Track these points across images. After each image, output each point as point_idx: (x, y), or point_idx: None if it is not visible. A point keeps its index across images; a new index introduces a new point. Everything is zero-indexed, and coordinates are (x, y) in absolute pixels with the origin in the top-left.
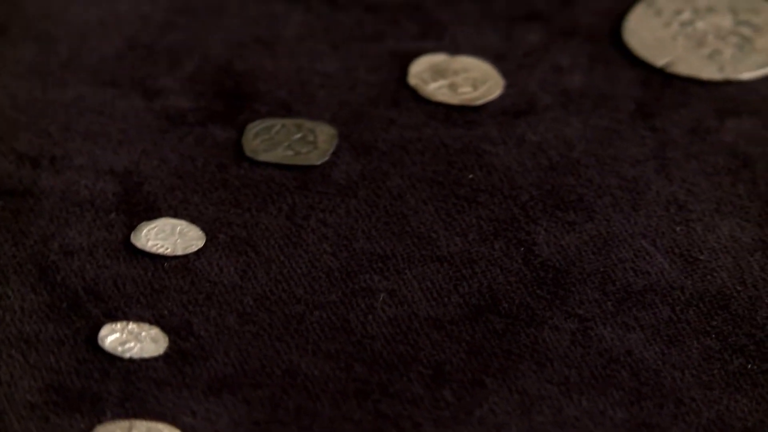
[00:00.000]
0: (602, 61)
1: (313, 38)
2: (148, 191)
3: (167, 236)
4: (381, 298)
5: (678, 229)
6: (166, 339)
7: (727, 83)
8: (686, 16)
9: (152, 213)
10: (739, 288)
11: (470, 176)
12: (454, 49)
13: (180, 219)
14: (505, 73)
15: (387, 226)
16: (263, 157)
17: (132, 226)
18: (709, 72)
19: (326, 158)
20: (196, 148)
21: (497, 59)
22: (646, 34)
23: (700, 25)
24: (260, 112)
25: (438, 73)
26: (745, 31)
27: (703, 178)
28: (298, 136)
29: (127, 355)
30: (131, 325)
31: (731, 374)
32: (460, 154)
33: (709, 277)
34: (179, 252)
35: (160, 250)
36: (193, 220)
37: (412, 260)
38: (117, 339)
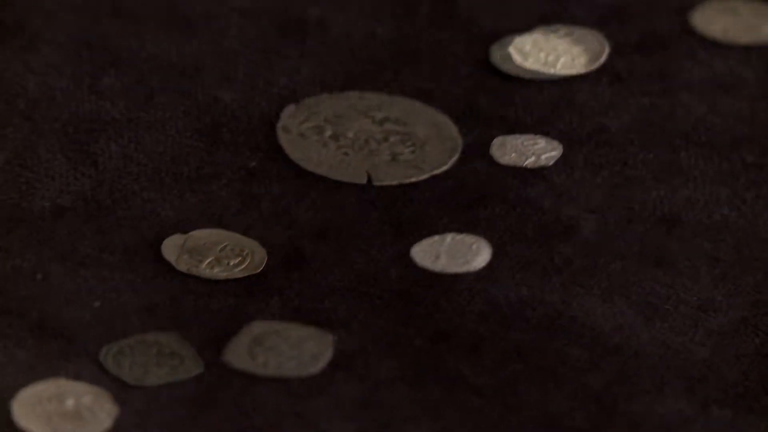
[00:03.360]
0: (316, 190)
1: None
2: None
3: None
4: None
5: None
6: None
7: (434, 178)
8: (329, 131)
9: None
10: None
11: (335, 338)
12: (175, 226)
13: None
14: (243, 233)
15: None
16: (151, 381)
17: None
18: (414, 174)
19: (203, 364)
20: None
21: (220, 223)
22: (321, 159)
23: (350, 134)
24: (87, 349)
25: (195, 252)
26: (394, 127)
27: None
28: (154, 351)
29: None
30: None
31: None
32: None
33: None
34: None
35: None
36: None
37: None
38: None
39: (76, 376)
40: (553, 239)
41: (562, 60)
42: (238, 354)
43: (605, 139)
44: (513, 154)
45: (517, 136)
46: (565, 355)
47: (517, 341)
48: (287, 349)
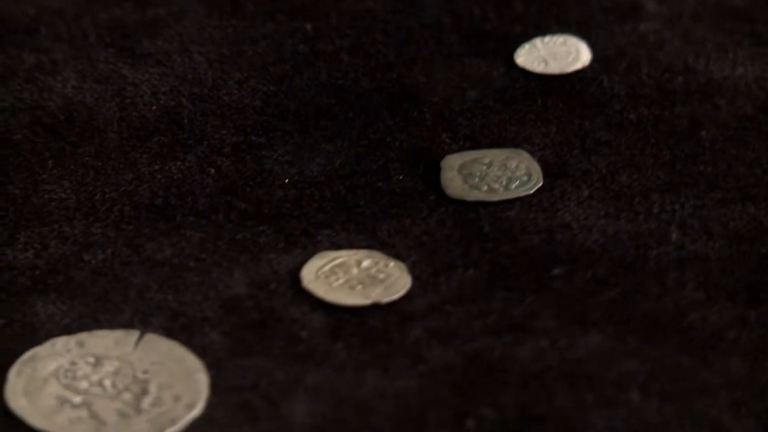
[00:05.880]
0: None
1: None
2: None
3: None
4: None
5: None
6: None
7: None
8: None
9: None
10: None
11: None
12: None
13: None
14: None
15: None
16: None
17: None
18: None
19: None
20: None
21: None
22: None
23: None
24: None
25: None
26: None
27: None
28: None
29: None
30: None
31: None
32: None
33: None
34: None
35: None
36: None
37: None
38: None
39: (335, 247)
40: (629, 19)
41: None
42: (457, 187)
43: None
44: None
45: None
46: (734, 114)
47: (687, 113)
48: (500, 173)
